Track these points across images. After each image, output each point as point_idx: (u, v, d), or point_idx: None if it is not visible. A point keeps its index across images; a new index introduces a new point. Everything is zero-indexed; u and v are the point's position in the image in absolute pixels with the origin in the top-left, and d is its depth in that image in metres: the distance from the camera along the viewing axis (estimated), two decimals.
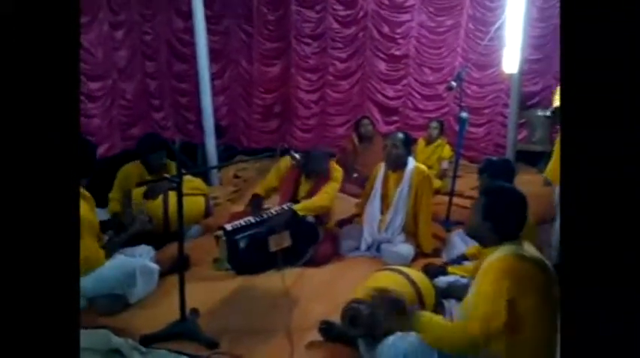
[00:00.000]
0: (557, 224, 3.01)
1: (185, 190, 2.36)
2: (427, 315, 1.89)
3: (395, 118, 6.49)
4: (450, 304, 2.57)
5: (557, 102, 3.06)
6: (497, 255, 1.85)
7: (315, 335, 2.36)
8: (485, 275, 1.84)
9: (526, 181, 5.22)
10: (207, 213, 3.90)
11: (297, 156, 3.06)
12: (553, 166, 3.07)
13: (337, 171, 3.44)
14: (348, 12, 6.17)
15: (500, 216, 1.91)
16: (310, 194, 3.38)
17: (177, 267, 2.41)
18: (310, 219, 3.29)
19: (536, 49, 5.94)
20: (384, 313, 1.94)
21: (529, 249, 1.95)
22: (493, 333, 1.75)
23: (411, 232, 3.44)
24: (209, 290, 2.85)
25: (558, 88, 3.08)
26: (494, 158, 3.31)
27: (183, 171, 2.34)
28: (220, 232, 3.11)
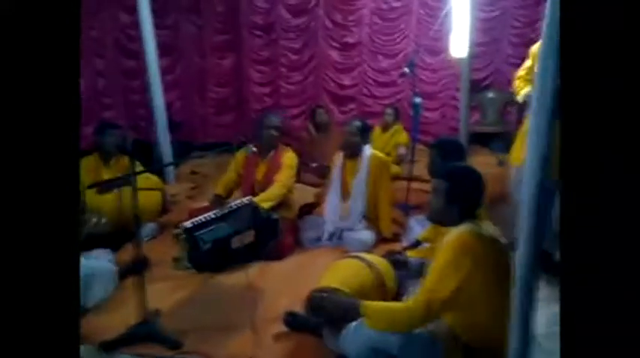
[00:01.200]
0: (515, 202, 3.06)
1: (139, 186, 2.31)
2: (369, 304, 1.96)
3: (351, 106, 6.52)
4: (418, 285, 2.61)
5: (523, 89, 3.03)
6: (456, 233, 1.90)
7: (281, 327, 2.36)
8: (444, 251, 1.89)
9: (480, 162, 5.35)
10: (164, 208, 3.84)
11: (254, 149, 3.00)
12: (516, 153, 3.06)
13: (291, 158, 3.43)
14: (299, 1, 6.13)
15: (464, 198, 1.95)
16: (265, 176, 3.36)
17: (136, 268, 2.35)
18: (274, 215, 3.27)
19: (484, 33, 6.08)
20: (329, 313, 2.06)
21: (486, 226, 2.01)
22: (437, 306, 1.82)
23: (371, 218, 3.47)
24: (170, 290, 2.80)
25: (521, 72, 3.09)
26: (447, 137, 3.39)
27: (140, 170, 2.29)
28: (179, 230, 3.05)
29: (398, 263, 2.59)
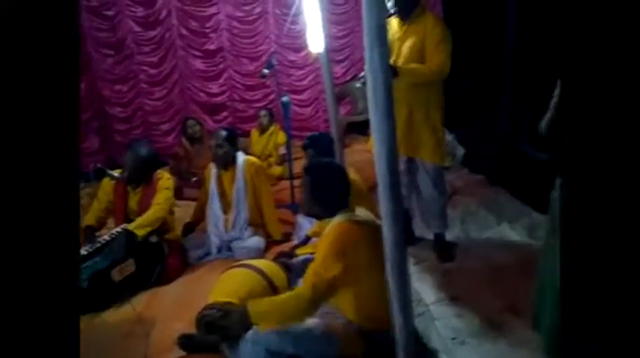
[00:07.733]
0: None
1: None
2: (254, 304, 1.93)
3: (224, 114, 6.43)
4: None
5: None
6: (332, 224, 2.00)
7: (179, 352, 2.27)
8: (323, 240, 1.97)
9: (359, 150, 5.62)
10: None
11: (115, 174, 2.80)
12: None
13: (166, 179, 3.24)
14: (148, 12, 5.85)
15: (325, 190, 2.03)
16: (140, 204, 3.15)
17: None
18: (153, 238, 3.10)
19: (341, 25, 6.32)
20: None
21: (360, 213, 2.12)
22: (322, 287, 1.88)
23: (258, 224, 3.44)
24: None
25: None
26: (316, 133, 3.48)
27: None
28: None
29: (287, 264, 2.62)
